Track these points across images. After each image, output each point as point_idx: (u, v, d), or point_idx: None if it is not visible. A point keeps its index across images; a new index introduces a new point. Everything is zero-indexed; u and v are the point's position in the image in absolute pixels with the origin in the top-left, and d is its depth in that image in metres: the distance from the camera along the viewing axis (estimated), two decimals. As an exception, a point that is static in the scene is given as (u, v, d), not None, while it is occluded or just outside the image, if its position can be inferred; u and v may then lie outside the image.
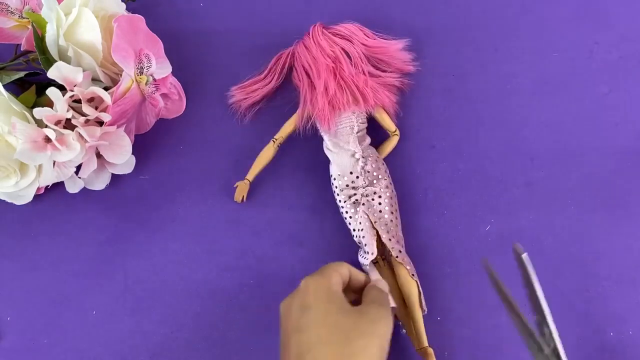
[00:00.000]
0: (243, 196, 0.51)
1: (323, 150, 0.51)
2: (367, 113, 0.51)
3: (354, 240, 0.49)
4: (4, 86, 0.46)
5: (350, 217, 0.48)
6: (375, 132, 0.52)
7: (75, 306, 0.50)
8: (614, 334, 0.47)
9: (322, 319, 0.37)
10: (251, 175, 0.51)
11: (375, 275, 0.46)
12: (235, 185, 0.51)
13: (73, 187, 0.51)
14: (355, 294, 0.44)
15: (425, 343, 0.45)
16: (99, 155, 0.49)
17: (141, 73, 0.48)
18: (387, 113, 0.52)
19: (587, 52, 0.56)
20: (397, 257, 0.46)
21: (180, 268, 0.51)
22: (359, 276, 0.44)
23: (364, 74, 0.51)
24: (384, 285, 0.44)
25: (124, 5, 0.52)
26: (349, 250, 0.50)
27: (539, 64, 0.56)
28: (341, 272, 0.42)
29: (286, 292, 0.41)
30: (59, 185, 0.51)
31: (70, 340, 0.49)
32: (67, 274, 0.51)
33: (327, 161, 0.50)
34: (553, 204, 0.51)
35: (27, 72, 0.51)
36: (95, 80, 0.49)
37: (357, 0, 0.58)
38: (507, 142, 0.53)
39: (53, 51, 0.48)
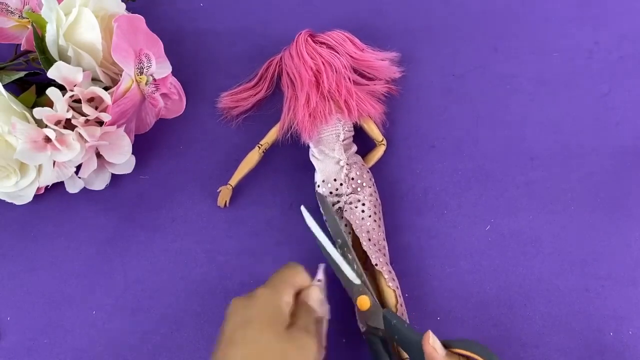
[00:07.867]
0: (226, 201, 0.51)
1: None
2: (353, 122, 0.51)
3: None
4: (4, 86, 0.46)
5: None
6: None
7: (75, 306, 0.50)
8: (614, 334, 0.47)
9: (255, 338, 0.38)
10: (234, 180, 0.51)
11: (318, 276, 0.44)
12: (218, 190, 0.51)
13: (73, 187, 0.51)
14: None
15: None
16: (99, 155, 0.49)
17: (141, 73, 0.48)
18: (375, 122, 0.52)
19: (587, 52, 0.56)
20: (376, 264, 0.46)
21: (180, 268, 0.51)
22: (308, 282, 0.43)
23: (349, 83, 0.51)
24: (316, 295, 0.42)
25: (124, 5, 0.52)
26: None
27: (539, 64, 0.56)
28: (295, 283, 0.42)
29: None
30: (59, 185, 0.51)
31: (70, 340, 0.49)
32: (67, 274, 0.51)
33: (327, 161, 0.50)
34: (553, 204, 0.51)
35: (27, 72, 0.51)
36: (95, 80, 0.49)
37: None
38: (507, 142, 0.53)
39: (53, 51, 0.48)
